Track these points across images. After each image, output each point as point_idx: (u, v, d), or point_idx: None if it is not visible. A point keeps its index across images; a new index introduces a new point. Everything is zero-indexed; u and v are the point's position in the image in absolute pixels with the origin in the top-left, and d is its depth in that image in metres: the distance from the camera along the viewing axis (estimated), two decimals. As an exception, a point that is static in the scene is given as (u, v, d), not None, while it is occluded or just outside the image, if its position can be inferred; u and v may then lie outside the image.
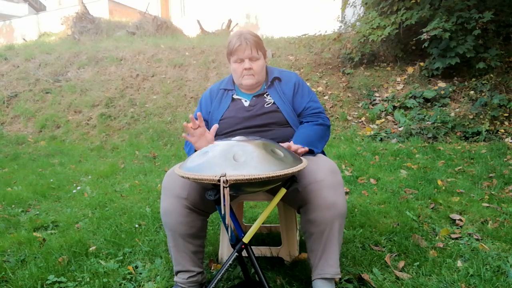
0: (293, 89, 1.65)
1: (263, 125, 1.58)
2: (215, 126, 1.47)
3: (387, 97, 5.56)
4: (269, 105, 1.61)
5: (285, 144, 1.40)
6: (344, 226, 1.45)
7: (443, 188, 2.77)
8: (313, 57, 7.07)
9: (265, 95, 1.65)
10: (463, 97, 5.20)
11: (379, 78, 6.05)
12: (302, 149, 1.40)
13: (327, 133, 1.65)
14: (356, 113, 5.52)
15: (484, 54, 5.23)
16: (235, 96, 1.67)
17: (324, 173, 1.35)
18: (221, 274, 1.32)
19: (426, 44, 5.37)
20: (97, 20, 10.99)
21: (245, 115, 1.60)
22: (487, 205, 2.37)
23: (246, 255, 1.34)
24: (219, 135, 1.61)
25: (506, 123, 4.68)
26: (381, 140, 4.74)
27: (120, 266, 1.80)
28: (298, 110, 1.64)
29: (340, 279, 1.56)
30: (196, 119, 1.42)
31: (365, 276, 1.56)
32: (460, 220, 2.16)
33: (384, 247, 1.87)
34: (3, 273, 1.76)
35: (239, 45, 1.56)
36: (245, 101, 1.65)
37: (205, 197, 1.15)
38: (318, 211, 1.33)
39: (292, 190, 1.32)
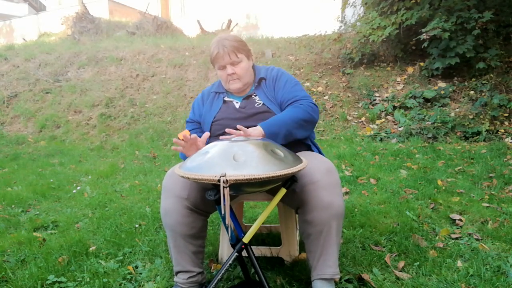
0: (273, 85, 1.64)
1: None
2: (206, 134, 1.48)
3: (387, 97, 5.56)
4: (259, 105, 1.61)
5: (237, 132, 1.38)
6: (342, 226, 1.44)
7: (443, 188, 2.77)
8: (313, 57, 7.07)
9: (253, 96, 1.64)
10: (463, 97, 5.20)
11: (379, 78, 6.05)
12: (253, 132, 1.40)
13: (301, 114, 1.51)
14: (356, 113, 5.52)
15: (484, 54, 5.23)
16: (226, 99, 1.67)
17: (320, 174, 1.35)
18: (221, 274, 1.32)
19: (426, 44, 5.37)
20: (97, 20, 10.98)
21: (237, 116, 1.60)
22: (487, 205, 2.37)
23: (246, 255, 1.34)
24: (212, 137, 1.60)
25: (506, 123, 4.68)
26: (381, 140, 4.74)
27: (120, 266, 1.80)
28: (282, 105, 1.61)
29: (340, 279, 1.56)
30: (190, 135, 1.44)
31: (365, 276, 1.56)
32: (460, 220, 2.16)
33: (384, 247, 1.87)
34: (3, 273, 1.76)
35: (217, 53, 1.57)
36: (236, 102, 1.65)
37: (206, 197, 1.15)
38: (315, 212, 1.33)
39: (289, 191, 1.32)
